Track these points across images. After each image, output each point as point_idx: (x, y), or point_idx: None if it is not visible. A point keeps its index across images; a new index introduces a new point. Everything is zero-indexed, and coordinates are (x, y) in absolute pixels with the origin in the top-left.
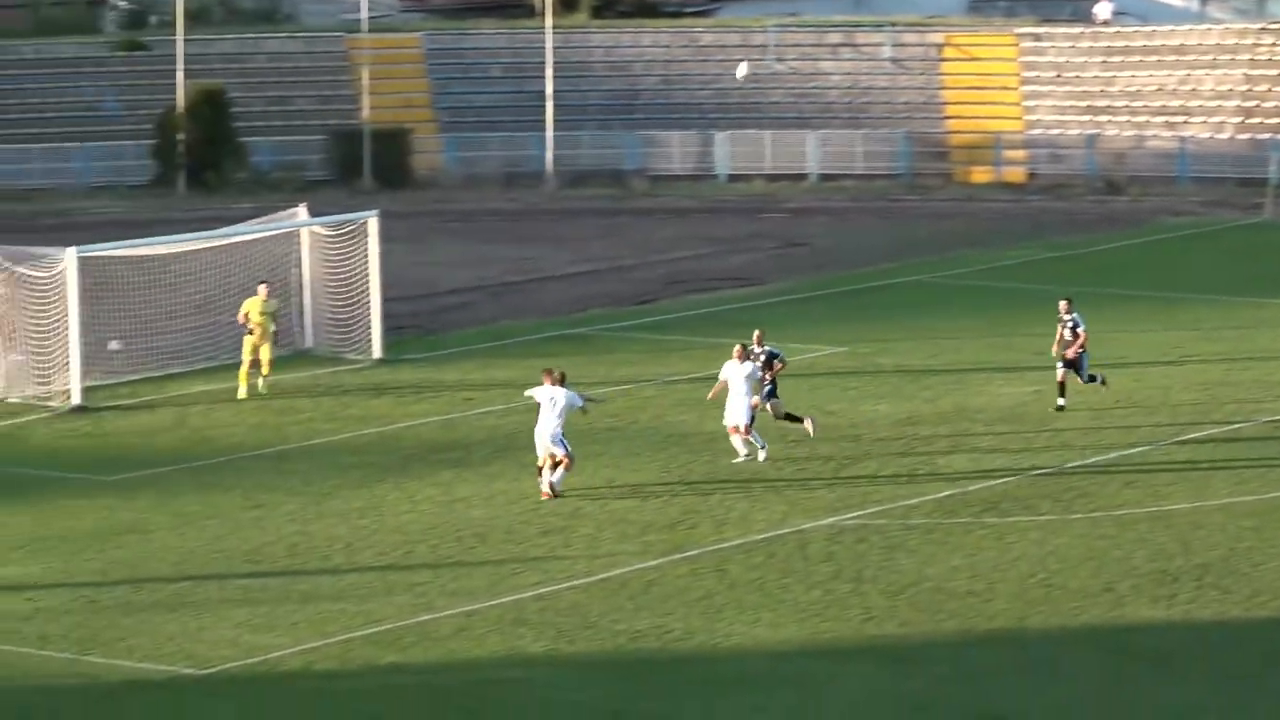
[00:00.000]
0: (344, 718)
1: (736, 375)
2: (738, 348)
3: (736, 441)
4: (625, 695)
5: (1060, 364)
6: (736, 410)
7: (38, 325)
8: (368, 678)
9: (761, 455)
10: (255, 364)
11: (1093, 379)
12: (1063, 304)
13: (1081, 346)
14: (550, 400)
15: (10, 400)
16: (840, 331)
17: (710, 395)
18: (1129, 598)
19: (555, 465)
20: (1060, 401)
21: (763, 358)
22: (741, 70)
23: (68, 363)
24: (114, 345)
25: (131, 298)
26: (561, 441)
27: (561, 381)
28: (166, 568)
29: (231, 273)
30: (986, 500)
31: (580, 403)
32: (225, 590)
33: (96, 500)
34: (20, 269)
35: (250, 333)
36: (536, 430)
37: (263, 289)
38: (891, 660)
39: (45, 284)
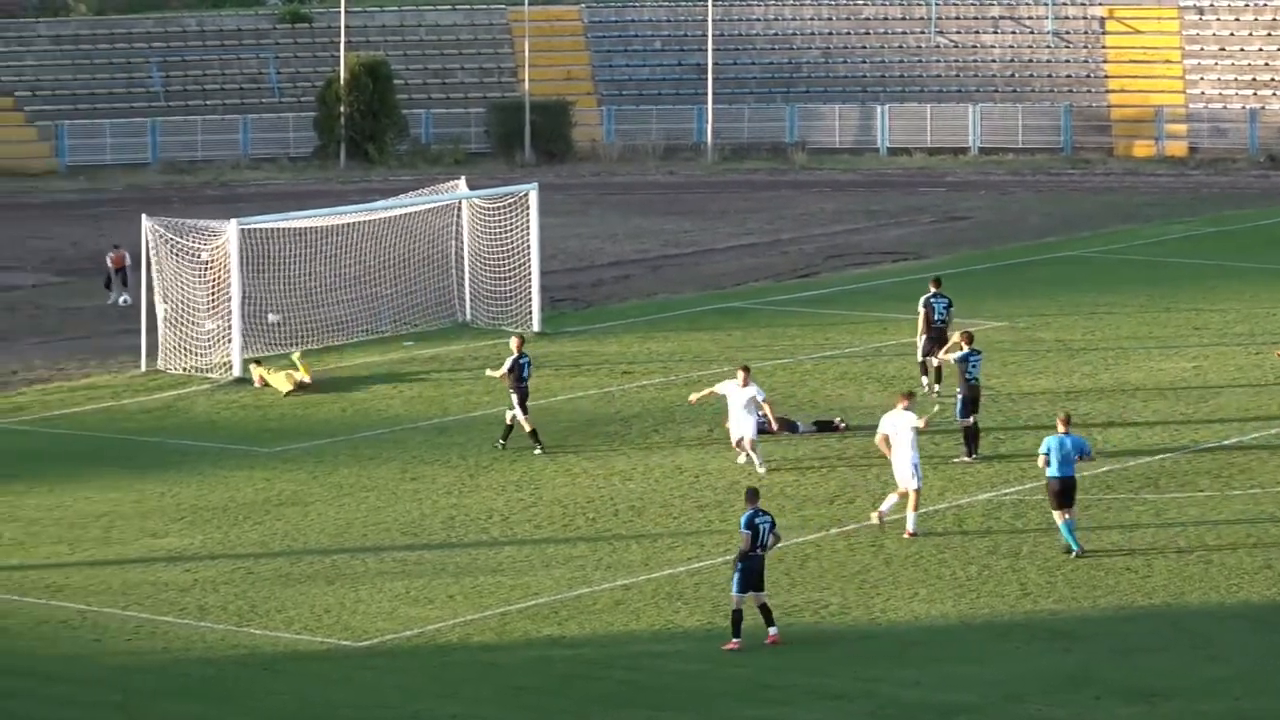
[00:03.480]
0: (500, 691)
1: (736, 396)
2: (742, 372)
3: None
4: (780, 669)
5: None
6: (742, 424)
7: (199, 299)
8: (524, 651)
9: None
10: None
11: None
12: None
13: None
14: (905, 426)
15: (171, 372)
16: (1000, 306)
17: (694, 399)
18: None
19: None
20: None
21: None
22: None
23: (229, 335)
24: (273, 318)
25: (291, 270)
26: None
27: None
28: (324, 539)
29: (391, 245)
30: (1145, 476)
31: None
32: (382, 562)
33: (255, 472)
34: (183, 240)
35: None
36: (895, 461)
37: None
38: (1048, 635)
39: (210, 257)
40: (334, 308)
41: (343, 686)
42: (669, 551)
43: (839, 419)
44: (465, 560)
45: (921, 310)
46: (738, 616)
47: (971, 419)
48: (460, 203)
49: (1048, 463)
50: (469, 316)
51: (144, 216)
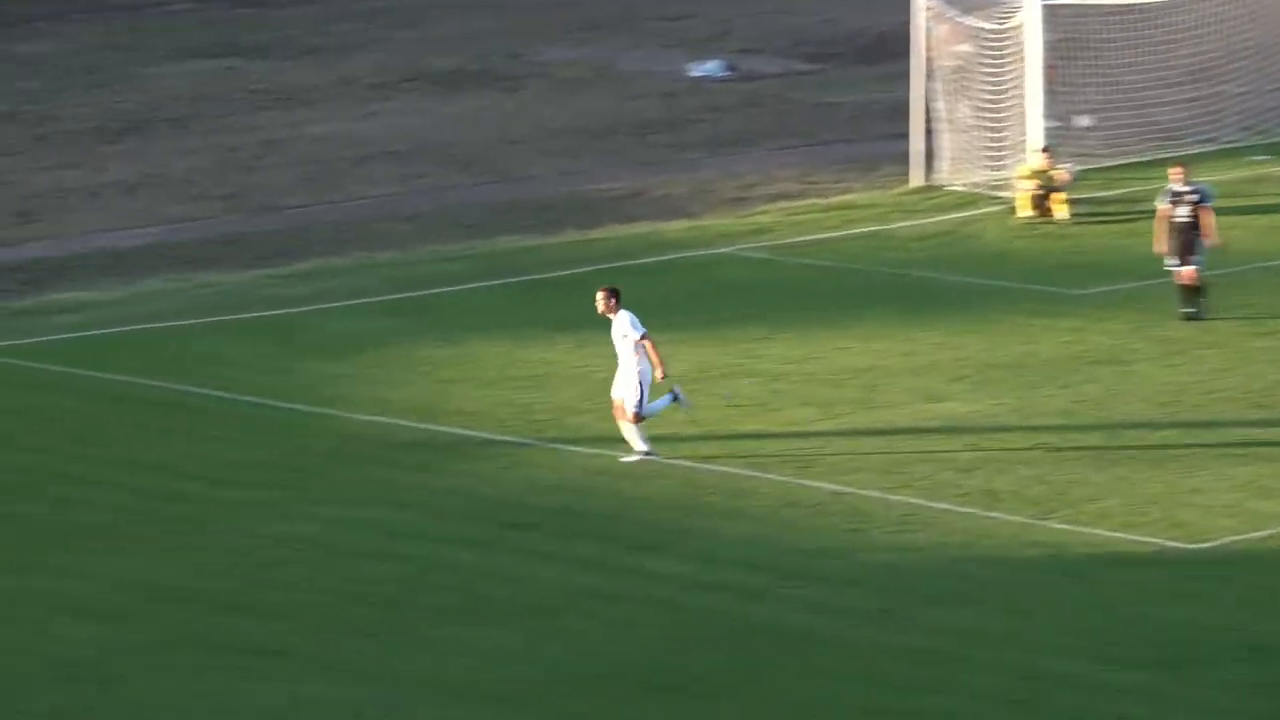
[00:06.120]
0: None
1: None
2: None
3: None
4: None
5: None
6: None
7: (989, 94)
8: None
9: None
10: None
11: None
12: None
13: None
14: None
15: (954, 188)
16: None
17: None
18: None
19: None
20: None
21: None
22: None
23: (1024, 142)
24: (1084, 121)
25: (1109, 60)
26: None
27: None
28: (1150, 410)
29: (1238, 29)
30: None
31: None
32: (1224, 442)
33: (1060, 321)
34: (969, 20)
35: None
36: None
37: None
38: None
39: (998, 41)
40: (1162, 110)
41: (1169, 600)
42: None
43: None
44: None
45: None
46: None
47: None
48: None
49: None
50: None
51: None
